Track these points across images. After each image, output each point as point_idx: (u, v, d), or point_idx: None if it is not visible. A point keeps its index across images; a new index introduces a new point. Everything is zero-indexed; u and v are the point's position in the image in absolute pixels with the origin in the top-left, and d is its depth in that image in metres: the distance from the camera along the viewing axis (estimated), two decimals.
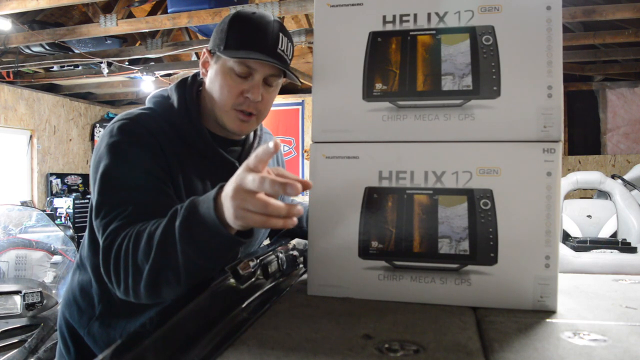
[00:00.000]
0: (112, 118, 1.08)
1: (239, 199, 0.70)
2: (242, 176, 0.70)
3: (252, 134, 1.19)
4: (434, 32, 0.89)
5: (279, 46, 1.03)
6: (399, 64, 0.90)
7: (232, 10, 3.95)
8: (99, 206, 0.92)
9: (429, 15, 0.89)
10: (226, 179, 1.07)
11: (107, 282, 0.89)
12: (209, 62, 1.07)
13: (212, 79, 1.05)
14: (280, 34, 1.03)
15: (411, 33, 0.90)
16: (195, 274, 0.81)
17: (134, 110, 1.05)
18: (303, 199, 1.71)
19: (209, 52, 1.07)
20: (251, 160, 0.70)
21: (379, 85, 0.91)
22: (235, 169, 1.08)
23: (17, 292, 2.55)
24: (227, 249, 0.78)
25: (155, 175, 0.96)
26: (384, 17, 0.91)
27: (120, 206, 0.91)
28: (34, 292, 2.57)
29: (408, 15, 0.90)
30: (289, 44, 1.06)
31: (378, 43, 0.91)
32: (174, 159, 0.99)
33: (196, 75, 1.12)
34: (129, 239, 0.85)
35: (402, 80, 0.90)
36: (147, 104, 1.09)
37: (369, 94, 0.91)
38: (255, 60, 1.00)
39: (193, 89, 1.09)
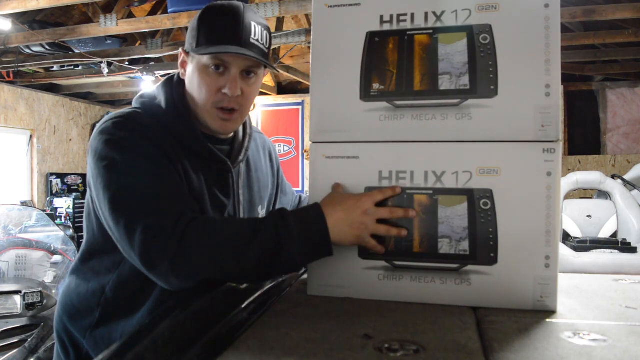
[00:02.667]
0: None
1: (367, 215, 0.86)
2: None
3: (241, 132, 1.17)
4: (431, 31, 0.89)
5: (253, 35, 1.00)
6: (396, 64, 0.90)
7: None
8: (117, 196, 0.90)
9: (426, 14, 0.89)
10: (218, 176, 1.07)
11: (148, 266, 0.86)
12: (187, 62, 1.05)
13: (190, 79, 1.04)
14: (253, 23, 1.00)
15: (408, 33, 0.90)
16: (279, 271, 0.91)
17: (124, 110, 1.03)
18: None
19: (185, 52, 1.05)
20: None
21: (376, 85, 0.91)
22: (226, 166, 1.08)
23: (17, 292, 2.55)
24: (322, 255, 0.88)
25: (164, 164, 0.96)
26: (382, 17, 0.91)
27: (146, 194, 0.90)
28: (34, 292, 2.57)
29: (405, 14, 0.90)
30: (264, 32, 1.03)
31: (375, 43, 0.91)
32: (172, 152, 0.99)
33: None
34: (198, 227, 0.85)
35: (400, 80, 0.90)
36: (135, 105, 1.07)
37: (366, 94, 0.91)
38: (228, 54, 0.98)
39: (180, 87, 1.07)
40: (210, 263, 0.85)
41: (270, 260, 0.85)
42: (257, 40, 1.01)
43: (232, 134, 1.14)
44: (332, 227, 0.86)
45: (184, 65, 1.06)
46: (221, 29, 0.99)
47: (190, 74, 1.04)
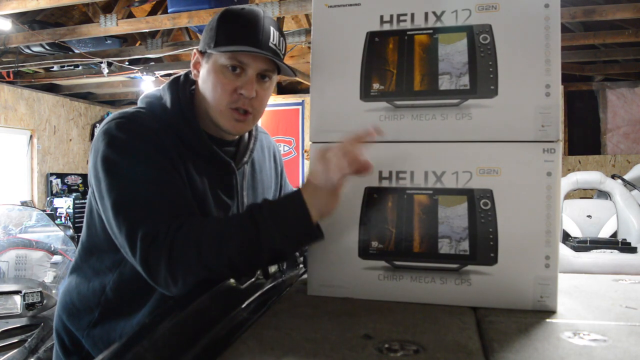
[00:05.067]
0: None
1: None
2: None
3: (247, 134, 1.17)
4: (431, 31, 0.89)
5: (271, 40, 1.01)
6: (396, 64, 0.90)
7: None
8: (119, 202, 0.91)
9: (426, 14, 0.89)
10: (222, 178, 1.07)
11: (149, 273, 0.88)
12: (200, 63, 1.05)
13: (204, 79, 1.03)
14: (272, 28, 1.01)
15: (408, 33, 0.90)
16: (266, 260, 0.90)
17: (128, 109, 1.03)
18: None
19: (200, 52, 1.05)
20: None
21: (376, 85, 0.91)
22: (231, 168, 1.08)
23: (17, 292, 2.55)
24: (308, 238, 0.88)
25: (165, 168, 0.96)
26: (382, 17, 0.91)
27: (146, 200, 0.90)
28: (34, 292, 2.57)
29: (405, 14, 0.90)
30: (281, 38, 1.04)
31: (375, 43, 0.91)
32: (174, 154, 0.99)
33: (188, 74, 1.10)
34: (185, 230, 0.86)
35: (400, 80, 0.90)
36: (140, 104, 1.07)
37: (366, 94, 0.91)
38: (247, 54, 0.98)
39: (186, 87, 1.07)
40: (197, 263, 0.86)
41: (251, 248, 0.85)
42: (275, 45, 1.01)
43: (238, 136, 1.14)
44: (309, 201, 0.85)
45: (197, 66, 1.06)
46: (241, 30, 0.99)
47: (205, 74, 1.03)
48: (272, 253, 0.87)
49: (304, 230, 0.86)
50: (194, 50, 1.06)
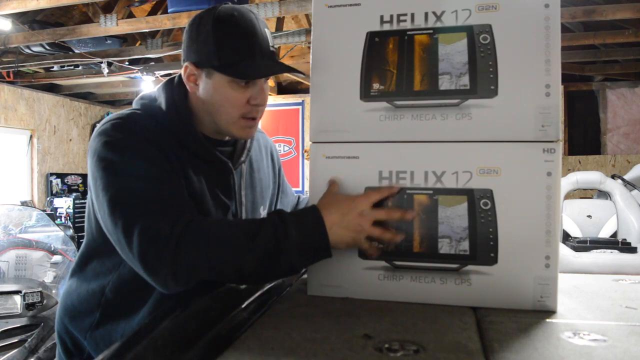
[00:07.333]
0: None
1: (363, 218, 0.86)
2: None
3: None
4: (431, 31, 0.89)
5: (270, 44, 1.00)
6: (396, 64, 0.90)
7: None
8: (116, 198, 0.90)
9: (426, 14, 0.89)
10: (220, 178, 1.07)
11: (146, 268, 0.87)
12: (196, 74, 1.01)
13: (209, 94, 1.00)
14: (265, 30, 1.00)
15: (408, 33, 0.90)
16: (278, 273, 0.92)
17: (123, 111, 1.03)
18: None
19: (195, 65, 1.00)
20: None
21: (376, 85, 0.91)
22: (228, 168, 1.08)
23: (17, 292, 2.55)
24: (319, 259, 0.89)
25: (163, 166, 0.96)
26: (382, 17, 0.91)
27: (145, 195, 0.90)
28: (34, 292, 2.57)
29: (405, 15, 0.90)
30: (271, 33, 1.04)
31: (375, 43, 0.91)
32: (171, 154, 0.98)
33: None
34: (195, 230, 0.86)
35: (400, 80, 0.90)
36: (135, 106, 1.07)
37: (366, 94, 0.91)
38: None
39: (181, 89, 1.06)
40: (208, 267, 0.85)
41: (269, 263, 0.85)
42: (273, 47, 1.01)
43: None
44: (328, 229, 0.86)
45: (192, 79, 1.02)
46: (244, 43, 0.97)
47: (211, 90, 1.00)
48: (288, 269, 0.89)
49: (321, 255, 0.88)
50: (187, 64, 1.01)
